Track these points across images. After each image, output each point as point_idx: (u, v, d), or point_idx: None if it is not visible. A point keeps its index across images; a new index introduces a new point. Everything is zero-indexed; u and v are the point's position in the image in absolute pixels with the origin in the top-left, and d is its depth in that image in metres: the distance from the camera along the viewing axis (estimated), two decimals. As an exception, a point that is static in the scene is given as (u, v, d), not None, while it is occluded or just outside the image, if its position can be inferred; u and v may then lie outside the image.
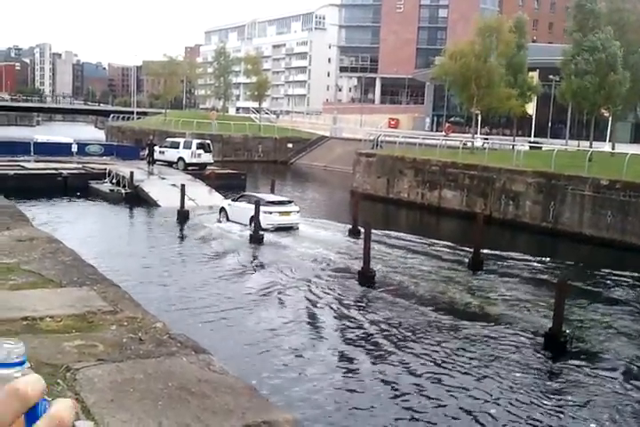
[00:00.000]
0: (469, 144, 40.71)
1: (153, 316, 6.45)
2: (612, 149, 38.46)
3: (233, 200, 26.67)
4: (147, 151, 39.81)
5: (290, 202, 26.08)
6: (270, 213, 24.17)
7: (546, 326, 14.04)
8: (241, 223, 25.02)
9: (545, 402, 11.16)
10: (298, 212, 25.54)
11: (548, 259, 23.15)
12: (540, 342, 13.80)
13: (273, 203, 24.94)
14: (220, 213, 26.65)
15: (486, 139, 47.92)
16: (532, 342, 13.92)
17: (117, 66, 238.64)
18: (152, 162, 38.55)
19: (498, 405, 10.90)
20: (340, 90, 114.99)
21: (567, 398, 11.39)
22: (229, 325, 14.59)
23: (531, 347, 13.70)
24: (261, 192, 28.25)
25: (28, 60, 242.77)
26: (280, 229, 24.43)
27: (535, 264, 22.14)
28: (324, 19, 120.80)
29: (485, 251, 21.62)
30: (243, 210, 24.98)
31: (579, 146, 41.73)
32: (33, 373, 1.05)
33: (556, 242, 26.62)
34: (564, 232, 26.57)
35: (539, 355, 13.41)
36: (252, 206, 23.68)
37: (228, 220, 26.06)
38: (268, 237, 23.11)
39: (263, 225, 23.61)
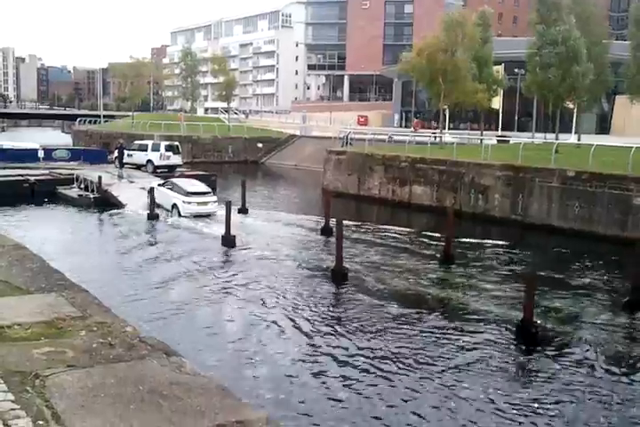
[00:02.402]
0: (437, 139, 41.00)
1: (123, 320, 6.42)
2: (578, 140, 39.03)
3: (159, 185, 29.01)
4: (116, 154, 39.49)
5: (208, 192, 28.41)
6: (189, 202, 27.26)
7: (517, 318, 14.23)
8: (164, 208, 27.79)
9: (516, 393, 11.31)
10: (215, 201, 28.11)
11: (517, 251, 23.49)
12: (512, 334, 13.98)
13: (193, 193, 27.64)
14: (148, 193, 28.50)
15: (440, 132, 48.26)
16: (504, 334, 14.10)
17: (83, 69, 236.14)
18: (122, 165, 38.24)
19: (469, 398, 11.01)
20: (308, 88, 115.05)
21: (539, 389, 11.55)
22: (211, 332, 14.54)
23: (503, 338, 13.86)
24: (193, 183, 29.41)
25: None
26: (198, 216, 26.99)
27: (505, 256, 22.45)
28: (290, 17, 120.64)
29: (456, 245, 21.84)
30: (167, 196, 27.91)
31: (545, 138, 42.28)
32: None
33: (525, 234, 26.95)
34: (533, 224, 26.91)
35: (511, 346, 13.59)
36: (176, 194, 27.55)
37: (152, 201, 27.72)
38: (239, 237, 23.08)
39: (182, 213, 27.09)
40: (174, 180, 30.22)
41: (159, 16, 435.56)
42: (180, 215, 27.11)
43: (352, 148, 42.04)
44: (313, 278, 18.86)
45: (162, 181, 30.01)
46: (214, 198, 28.32)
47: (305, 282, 18.58)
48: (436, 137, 41.82)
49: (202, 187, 28.86)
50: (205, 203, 27.74)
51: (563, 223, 26.08)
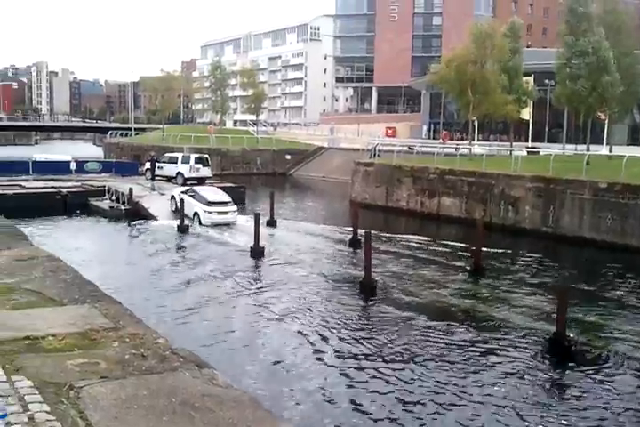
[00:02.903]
0: (466, 151, 40.79)
1: (155, 332, 6.47)
2: (610, 151, 38.54)
3: (182, 192, 29.75)
4: (148, 166, 39.96)
5: (229, 202, 29.09)
6: (210, 211, 28.11)
7: (549, 331, 14.03)
8: (186, 215, 28.18)
9: (548, 410, 11.12)
10: (235, 211, 29.03)
11: (549, 263, 23.20)
12: (543, 347, 13.78)
13: (214, 203, 28.46)
14: (171, 199, 30.54)
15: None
16: (535, 348, 13.90)
17: (114, 82, 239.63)
18: (153, 177, 38.67)
19: (502, 412, 10.86)
20: (336, 100, 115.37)
21: (571, 405, 11.35)
22: (242, 344, 14.57)
23: (534, 352, 13.66)
24: (215, 192, 30.21)
25: (25, 79, 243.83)
26: (219, 225, 27.97)
27: (536, 268, 22.17)
28: (318, 30, 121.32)
29: (486, 256, 21.64)
30: (189, 204, 28.55)
31: (576, 150, 41.80)
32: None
33: (556, 246, 26.60)
34: (565, 236, 26.57)
35: (543, 360, 13.38)
36: (197, 203, 28.47)
37: (177, 208, 29.10)
38: (268, 249, 23.16)
39: (203, 222, 28.00)
40: (196, 188, 30.82)
41: (189, 30, 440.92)
42: (200, 223, 28.09)
43: (380, 159, 42.02)
44: (341, 290, 18.81)
45: (185, 189, 30.76)
46: (234, 208, 29.04)
47: (334, 294, 18.54)
48: (457, 148, 41.54)
49: (223, 196, 29.48)
50: (226, 212, 28.52)
51: (595, 235, 25.71)
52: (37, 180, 37.60)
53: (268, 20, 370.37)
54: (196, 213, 28.40)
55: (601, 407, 11.18)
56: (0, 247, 10.22)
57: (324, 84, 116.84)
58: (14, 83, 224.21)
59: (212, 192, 30.11)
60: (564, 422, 10.58)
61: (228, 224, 28.39)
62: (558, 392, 12.00)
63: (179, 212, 28.43)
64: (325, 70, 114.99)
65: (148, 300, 17.07)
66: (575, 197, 26.82)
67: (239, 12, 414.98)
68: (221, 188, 37.75)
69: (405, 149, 43.92)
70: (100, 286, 8.28)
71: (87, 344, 5.91)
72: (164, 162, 40.22)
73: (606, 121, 43.06)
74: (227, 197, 29.47)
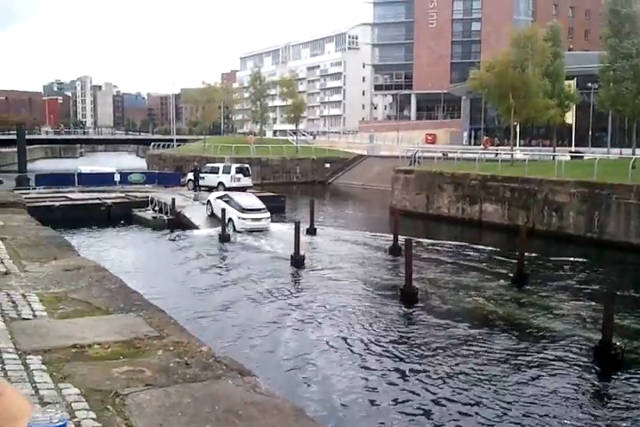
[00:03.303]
0: (508, 156, 40.31)
1: (198, 340, 6.53)
2: (656, 155, 37.67)
3: (217, 198, 30.85)
4: (190, 177, 40.52)
5: (263, 209, 29.78)
6: (244, 218, 28.78)
7: (595, 339, 13.75)
8: (220, 220, 28.78)
9: (596, 419, 10.89)
10: (268, 218, 29.68)
11: (594, 269, 22.75)
12: (589, 356, 13.50)
13: (248, 210, 29.23)
14: (207, 204, 31.70)
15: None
16: (581, 356, 13.63)
17: (156, 95, 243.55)
18: (196, 188, 39.17)
19: (546, 425, 10.66)
20: (375, 108, 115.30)
21: (619, 415, 11.09)
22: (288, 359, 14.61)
23: (580, 361, 13.40)
24: (249, 198, 31.14)
25: (69, 94, 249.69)
26: (253, 231, 28.65)
27: (581, 275, 21.77)
28: (356, 38, 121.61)
29: (530, 263, 21.33)
30: (223, 210, 29.01)
31: (621, 153, 40.99)
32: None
33: (602, 252, 26.07)
34: (610, 242, 26.02)
35: (588, 369, 13.11)
36: (232, 209, 29.04)
37: (212, 213, 30.61)
38: (308, 257, 23.22)
39: (237, 228, 28.66)
40: (231, 194, 31.49)
41: (229, 42, 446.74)
42: (234, 230, 28.75)
43: (420, 166, 41.81)
44: (383, 298, 18.74)
45: (221, 194, 31.67)
46: (268, 214, 29.73)
47: (375, 302, 18.48)
48: (497, 153, 41.07)
49: (257, 203, 30.29)
50: (259, 219, 29.25)
51: (642, 241, 25.11)
52: (83, 191, 38.44)
53: (306, 30, 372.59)
54: (230, 220, 28.91)
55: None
56: (48, 258, 10.45)
57: (363, 92, 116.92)
58: (59, 97, 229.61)
59: (247, 199, 30.80)
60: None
61: (261, 230, 29.00)
62: (604, 403, 11.73)
63: (214, 216, 29.70)
64: (364, 78, 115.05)
65: (191, 308, 17.23)
66: (621, 202, 26.27)
67: (277, 23, 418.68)
68: (262, 197, 38.09)
69: (442, 155, 43.55)
70: (144, 295, 8.41)
71: (132, 352, 6.00)
72: (205, 172, 40.73)
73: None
74: (260, 204, 30.17)
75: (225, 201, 29.97)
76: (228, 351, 8.66)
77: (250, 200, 30.56)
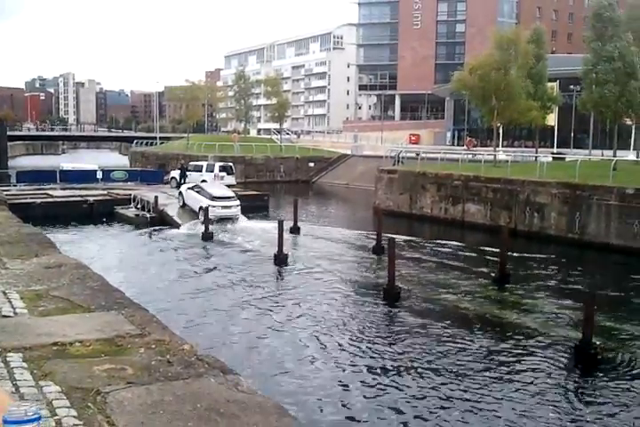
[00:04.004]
0: (491, 157, 40.55)
1: (180, 338, 6.52)
2: (637, 157, 38.10)
3: (189, 189, 31.97)
4: (173, 175, 40.35)
5: (232, 197, 30.90)
6: (214, 206, 29.34)
7: (575, 339, 13.87)
8: (192, 208, 30.71)
9: (574, 418, 10.99)
10: (238, 206, 30.58)
11: (575, 270, 22.95)
12: (569, 355, 13.62)
13: (217, 198, 30.11)
14: (179, 195, 32.63)
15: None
16: (561, 355, 13.74)
17: (140, 92, 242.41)
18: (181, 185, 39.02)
19: (525, 422, 10.74)
20: (359, 108, 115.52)
21: (597, 413, 11.19)
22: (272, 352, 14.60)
23: (560, 360, 13.52)
24: (219, 188, 32.44)
25: (52, 90, 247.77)
26: (222, 219, 29.57)
27: (562, 275, 21.96)
28: (341, 38, 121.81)
29: (511, 263, 21.48)
30: (195, 200, 30.66)
31: (602, 155, 41.35)
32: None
33: (583, 253, 26.33)
34: (591, 243, 26.27)
35: (568, 368, 13.23)
36: (202, 198, 30.02)
37: (184, 204, 31.74)
38: (291, 256, 23.22)
39: (209, 216, 28.55)
40: (201, 184, 32.85)
41: (213, 41, 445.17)
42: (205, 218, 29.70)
43: (403, 166, 41.94)
44: (365, 298, 18.78)
45: (191, 185, 32.80)
46: (237, 203, 30.76)
47: (357, 301, 18.53)
48: (475, 154, 41.32)
49: (226, 192, 31.54)
50: (229, 207, 30.22)
51: (621, 242, 25.38)
52: (64, 188, 38.13)
53: (291, 30, 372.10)
54: (201, 208, 29.62)
55: (627, 417, 11.01)
56: (29, 255, 10.37)
57: (347, 92, 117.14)
58: (42, 93, 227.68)
59: (217, 188, 32.10)
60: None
61: (231, 218, 30.29)
62: (583, 401, 11.82)
63: (185, 206, 31.24)
64: (348, 78, 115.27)
65: (173, 306, 17.17)
66: (602, 204, 26.52)
67: (263, 22, 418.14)
68: (245, 195, 38.13)
69: (428, 155, 43.70)
70: (125, 293, 8.37)
71: (114, 350, 5.98)
72: (189, 170, 40.60)
73: (633, 126, 42.60)
74: (230, 193, 31.42)
75: (196, 191, 31.08)
76: (210, 350, 8.64)
77: (220, 189, 31.77)
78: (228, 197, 30.80)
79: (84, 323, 6.77)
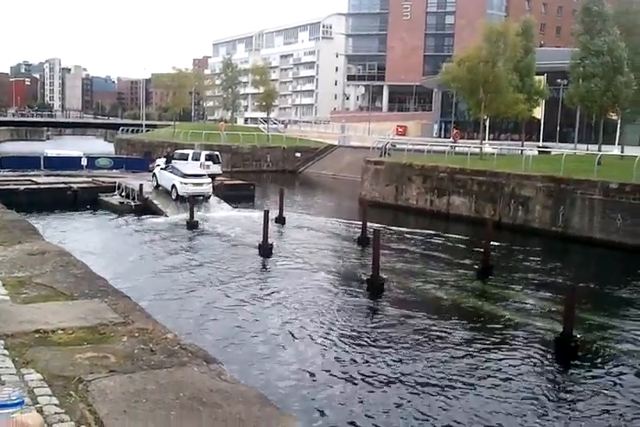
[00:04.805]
0: (477, 150, 40.66)
1: (164, 327, 6.52)
2: (622, 152, 38.32)
3: (162, 169, 33.03)
4: (158, 162, 40.08)
5: (203, 175, 32.03)
6: (186, 183, 30.38)
7: (556, 331, 14.01)
8: (165, 188, 31.73)
9: (553, 408, 11.12)
10: (210, 183, 31.55)
11: (558, 263, 23.13)
12: (550, 347, 13.76)
13: (189, 175, 31.03)
14: (152, 177, 33.53)
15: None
16: (542, 347, 13.87)
17: (126, 79, 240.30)
18: None
19: (504, 412, 10.85)
20: (347, 98, 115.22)
21: (576, 404, 11.33)
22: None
23: (540, 352, 13.64)
24: (192, 167, 33.85)
25: (37, 76, 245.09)
26: (194, 196, 29.82)
27: (545, 268, 22.13)
28: (330, 28, 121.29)
29: (495, 256, 21.61)
30: (168, 178, 31.65)
31: (587, 150, 41.60)
32: (33, 410, 1.27)
33: (566, 246, 26.54)
34: (574, 236, 26.48)
35: (548, 360, 13.36)
36: (174, 176, 30.99)
37: (157, 184, 32.63)
38: (276, 246, 23.22)
39: (180, 193, 30.29)
40: (174, 163, 34.16)
41: (202, 28, 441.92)
42: (177, 194, 30.70)
43: (390, 158, 41.96)
44: (349, 288, 18.84)
45: (164, 166, 33.85)
46: (209, 180, 31.79)
47: (341, 292, 18.58)
48: (454, 146, 41.47)
49: (198, 170, 32.93)
50: (200, 184, 31.04)
51: (604, 236, 25.59)
52: (49, 175, 37.81)
53: (280, 18, 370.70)
54: (173, 186, 30.84)
55: (605, 407, 11.15)
56: (12, 242, 10.31)
57: (336, 82, 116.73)
58: (27, 79, 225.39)
59: (189, 167, 33.48)
60: (568, 422, 10.57)
61: (202, 195, 31.05)
62: (562, 392, 11.96)
63: (159, 187, 32.28)
64: (337, 68, 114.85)
65: (157, 295, 17.15)
66: (586, 198, 26.71)
67: (252, 10, 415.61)
68: (231, 185, 38.05)
69: (415, 147, 43.73)
70: (109, 281, 8.34)
71: (97, 338, 5.97)
72: (174, 159, 40.35)
73: (619, 121, 42.82)
74: (202, 171, 32.88)
75: (169, 171, 32.08)
76: (194, 339, 8.64)
77: (191, 168, 33.09)
78: (200, 175, 31.83)
79: (67, 310, 6.75)
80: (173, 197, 30.78)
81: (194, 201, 28.74)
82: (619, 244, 24.66)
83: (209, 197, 31.77)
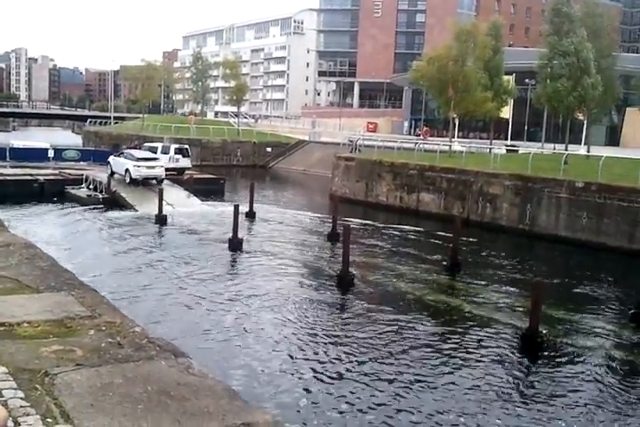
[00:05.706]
0: (446, 147, 40.96)
1: (131, 320, 6.46)
2: (588, 151, 38.94)
3: (115, 156, 34.36)
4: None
5: (156, 159, 33.44)
6: (139, 166, 31.55)
7: (522, 327, 14.20)
8: (119, 173, 32.61)
9: (519, 404, 11.28)
10: (162, 167, 32.65)
11: (524, 260, 23.47)
12: (516, 343, 13.95)
13: (142, 159, 32.37)
14: (107, 165, 34.30)
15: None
16: (508, 343, 14.06)
17: (95, 71, 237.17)
18: None
19: (470, 408, 10.97)
20: (318, 94, 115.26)
21: (541, 399, 11.50)
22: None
23: (506, 348, 13.83)
24: (144, 152, 35.28)
25: (3, 65, 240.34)
26: (147, 179, 31.82)
27: (512, 265, 22.42)
28: (302, 23, 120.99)
29: (463, 252, 21.83)
30: (121, 164, 32.60)
31: (554, 149, 42.18)
32: None
33: (532, 243, 26.92)
34: (541, 234, 26.85)
35: (514, 356, 13.55)
36: (128, 161, 32.19)
37: (111, 171, 33.29)
38: (246, 241, 23.13)
39: (133, 176, 31.47)
40: (127, 150, 35.88)
41: (172, 20, 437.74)
42: (131, 178, 31.68)
43: (361, 154, 42.07)
44: (319, 284, 18.87)
45: (117, 153, 35.35)
46: (161, 164, 32.93)
47: (311, 287, 18.59)
48: (420, 144, 41.78)
49: (150, 155, 34.16)
50: (153, 167, 32.08)
51: (570, 234, 26.00)
52: (14, 167, 37.18)
53: (251, 12, 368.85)
54: (127, 170, 31.74)
55: (569, 401, 11.35)
56: (-25, 234, 10.12)
57: (307, 77, 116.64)
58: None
59: (141, 152, 34.99)
60: (534, 417, 10.73)
61: (155, 178, 32.12)
62: (528, 388, 12.14)
63: (114, 174, 32.92)
64: (308, 64, 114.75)
65: (124, 288, 16.99)
66: (552, 196, 27.09)
67: (223, 4, 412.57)
68: (201, 179, 37.83)
69: (386, 144, 43.90)
70: (76, 274, 8.24)
71: (63, 332, 5.90)
72: (143, 152, 39.99)
73: (585, 121, 43.49)
74: (154, 156, 34.20)
75: (124, 157, 33.25)
76: (162, 333, 8.58)
77: (144, 153, 34.46)
78: (152, 159, 33.06)
79: (33, 304, 6.66)
80: (127, 180, 31.67)
81: (146, 183, 30.91)
82: (584, 241, 25.07)
83: (162, 180, 32.29)
